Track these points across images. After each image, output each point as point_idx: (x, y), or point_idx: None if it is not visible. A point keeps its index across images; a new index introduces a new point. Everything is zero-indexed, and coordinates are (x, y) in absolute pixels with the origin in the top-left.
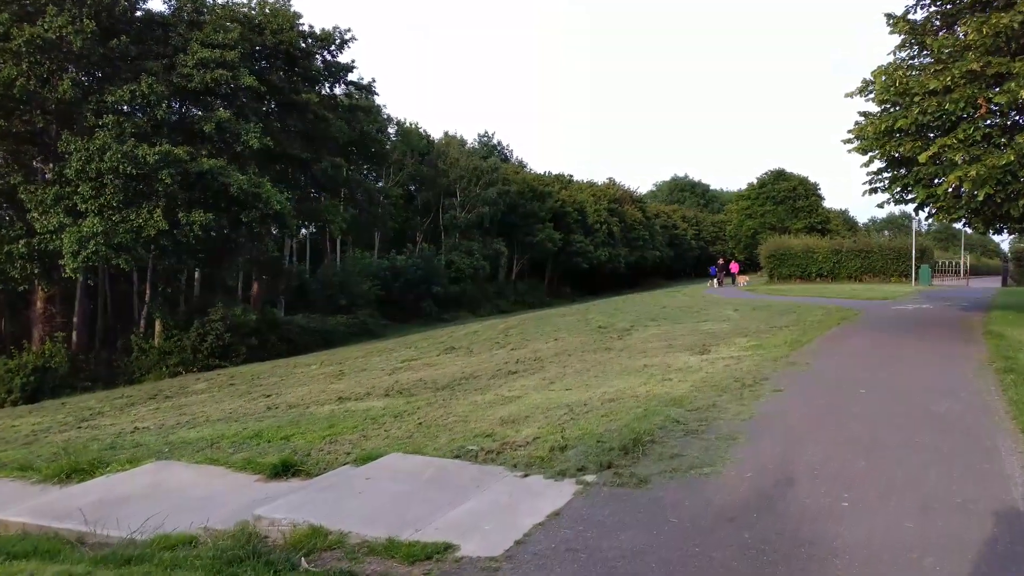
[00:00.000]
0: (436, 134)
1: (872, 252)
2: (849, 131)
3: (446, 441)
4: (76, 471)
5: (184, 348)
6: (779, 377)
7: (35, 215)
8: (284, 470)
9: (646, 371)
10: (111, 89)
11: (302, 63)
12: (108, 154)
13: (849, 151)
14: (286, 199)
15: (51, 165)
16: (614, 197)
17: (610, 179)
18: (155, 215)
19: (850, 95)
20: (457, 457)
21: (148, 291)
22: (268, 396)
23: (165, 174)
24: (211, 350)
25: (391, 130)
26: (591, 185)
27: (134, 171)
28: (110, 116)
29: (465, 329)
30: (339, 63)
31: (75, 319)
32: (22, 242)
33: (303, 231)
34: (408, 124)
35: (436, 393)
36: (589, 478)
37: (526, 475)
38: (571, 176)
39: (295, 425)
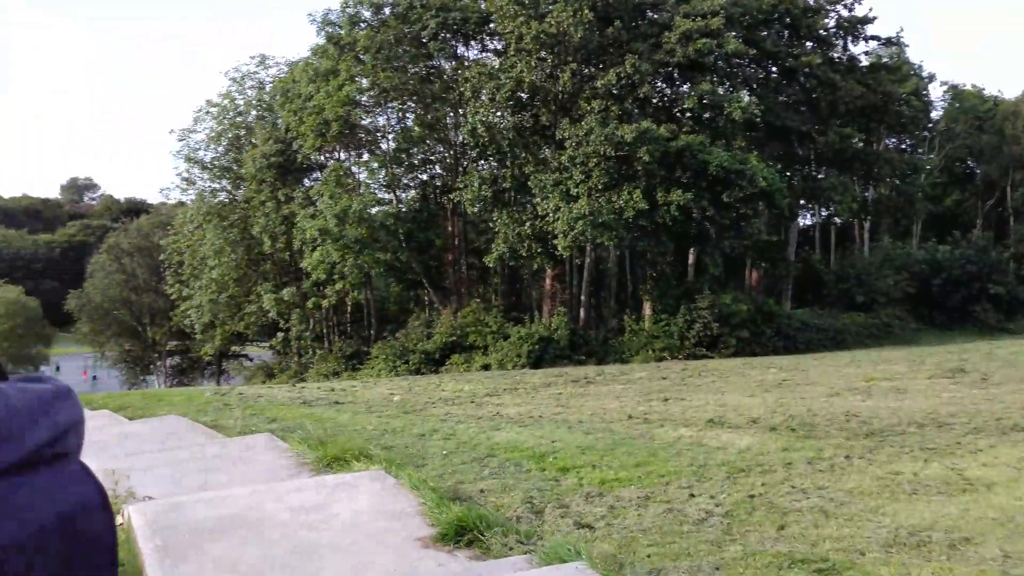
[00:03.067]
0: (1011, 94)
1: None
2: None
3: (763, 567)
4: (337, 459)
5: (670, 334)
6: None
7: (538, 200)
8: (458, 534)
9: None
10: (600, 74)
11: (805, 22)
12: (592, 136)
13: None
14: (776, 175)
15: (554, 153)
16: None
17: None
18: (634, 196)
19: None
20: None
21: (651, 274)
22: (666, 400)
23: (644, 151)
24: (697, 339)
25: (935, 92)
26: None
27: (612, 152)
28: (597, 101)
29: (1018, 346)
30: (855, 17)
31: (582, 297)
32: (528, 224)
33: (809, 214)
34: (962, 86)
35: (848, 441)
36: None
37: None
38: None
39: (606, 452)
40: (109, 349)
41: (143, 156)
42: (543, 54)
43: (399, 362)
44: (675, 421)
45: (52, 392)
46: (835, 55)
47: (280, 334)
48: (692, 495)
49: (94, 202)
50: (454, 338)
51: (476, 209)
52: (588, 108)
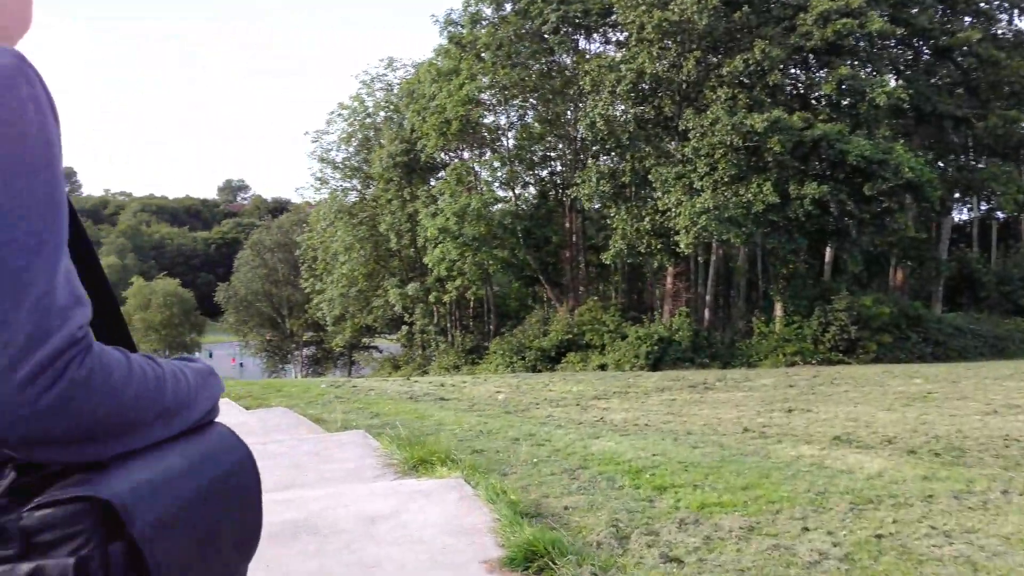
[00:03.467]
0: None
1: None
2: None
3: None
4: (423, 462)
5: (803, 337)
6: None
7: (659, 194)
8: (528, 559)
9: None
10: (726, 62)
11: None
12: (718, 126)
13: None
14: (925, 166)
15: (677, 145)
16: None
17: None
18: (764, 189)
19: None
20: None
21: (783, 272)
22: (789, 411)
23: (774, 141)
24: (833, 343)
25: None
26: None
27: (740, 142)
28: (723, 89)
29: None
30: None
31: (707, 297)
32: (648, 219)
33: (965, 208)
34: None
35: (1006, 471)
36: None
37: None
38: None
39: (711, 471)
40: (252, 338)
41: (290, 157)
42: (666, 43)
43: (515, 358)
44: (796, 436)
45: (207, 370)
46: (998, 31)
47: (405, 327)
48: (806, 528)
49: (245, 202)
50: (570, 336)
51: (594, 205)
52: (713, 97)
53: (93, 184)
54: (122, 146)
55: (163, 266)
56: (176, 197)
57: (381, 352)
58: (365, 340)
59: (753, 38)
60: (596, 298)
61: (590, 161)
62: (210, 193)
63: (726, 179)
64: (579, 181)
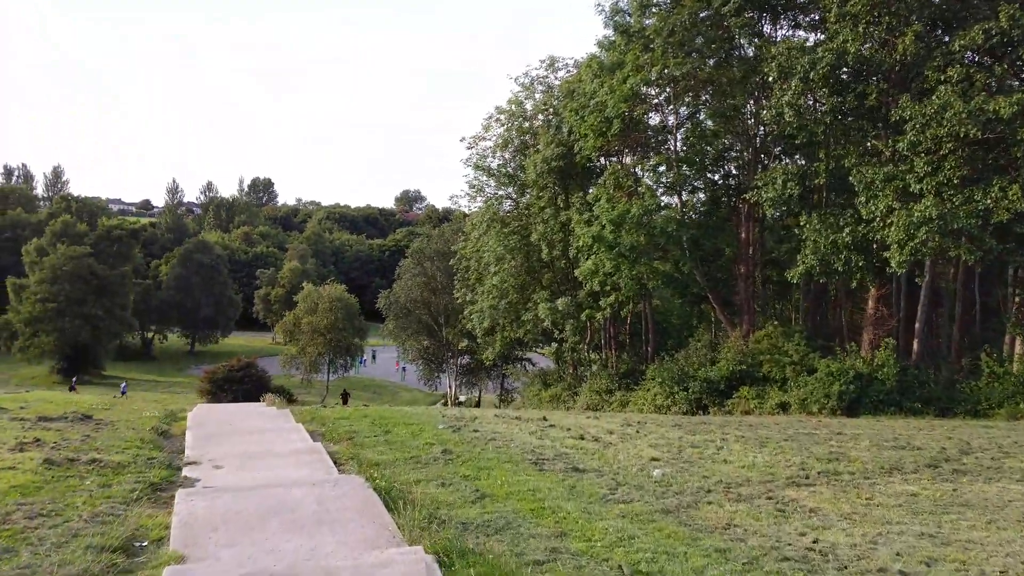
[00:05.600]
0: None
1: None
2: None
3: None
4: None
5: None
6: None
7: (862, 199)
8: None
9: None
10: (959, 34)
11: None
12: (948, 114)
13: None
14: None
15: (886, 140)
16: None
17: None
18: (1010, 192)
19: None
20: None
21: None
22: None
23: None
24: None
25: None
26: None
27: (977, 133)
28: (954, 68)
29: None
30: None
31: (916, 325)
32: (847, 230)
33: None
34: None
35: None
36: None
37: None
38: None
39: None
40: (409, 344)
41: (460, 167)
42: (876, 16)
43: (676, 388)
44: None
45: None
46: None
47: (555, 344)
48: None
49: (420, 211)
50: (744, 367)
51: (777, 212)
52: (940, 79)
53: (288, 193)
54: (317, 157)
55: (341, 271)
56: (357, 206)
57: (534, 365)
58: (518, 352)
59: (998, 2)
60: (776, 322)
61: (772, 163)
62: (388, 203)
63: (955, 181)
64: (760, 184)
